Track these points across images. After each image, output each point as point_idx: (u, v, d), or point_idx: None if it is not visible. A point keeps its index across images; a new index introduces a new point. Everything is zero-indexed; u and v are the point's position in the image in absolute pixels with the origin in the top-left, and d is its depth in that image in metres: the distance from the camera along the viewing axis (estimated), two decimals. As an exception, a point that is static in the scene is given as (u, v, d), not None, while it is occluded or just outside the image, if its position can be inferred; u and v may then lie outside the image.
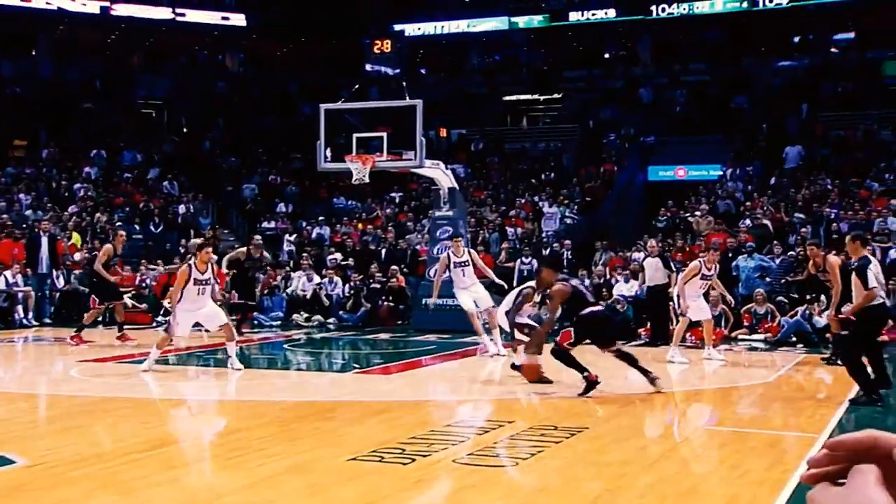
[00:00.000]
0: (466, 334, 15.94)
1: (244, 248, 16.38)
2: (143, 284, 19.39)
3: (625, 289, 17.03)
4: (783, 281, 17.51)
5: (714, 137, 27.75)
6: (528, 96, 35.85)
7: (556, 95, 35.36)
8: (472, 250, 14.31)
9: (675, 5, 32.99)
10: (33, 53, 35.38)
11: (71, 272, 19.45)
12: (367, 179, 16.00)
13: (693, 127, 28.89)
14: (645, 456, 7.25)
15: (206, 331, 13.36)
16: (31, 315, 18.22)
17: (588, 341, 10.07)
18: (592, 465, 6.79)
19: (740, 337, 15.79)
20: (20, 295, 18.13)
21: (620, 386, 11.51)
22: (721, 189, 24.25)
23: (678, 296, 12.90)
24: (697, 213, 22.22)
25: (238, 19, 35.49)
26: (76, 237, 21.08)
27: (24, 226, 20.80)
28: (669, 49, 34.74)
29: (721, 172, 25.75)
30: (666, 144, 28.39)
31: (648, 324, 15.90)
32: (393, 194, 26.76)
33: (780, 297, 16.78)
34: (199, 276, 11.33)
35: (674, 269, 15.23)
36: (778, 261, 17.99)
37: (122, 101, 33.25)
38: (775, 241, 18.76)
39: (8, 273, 18.01)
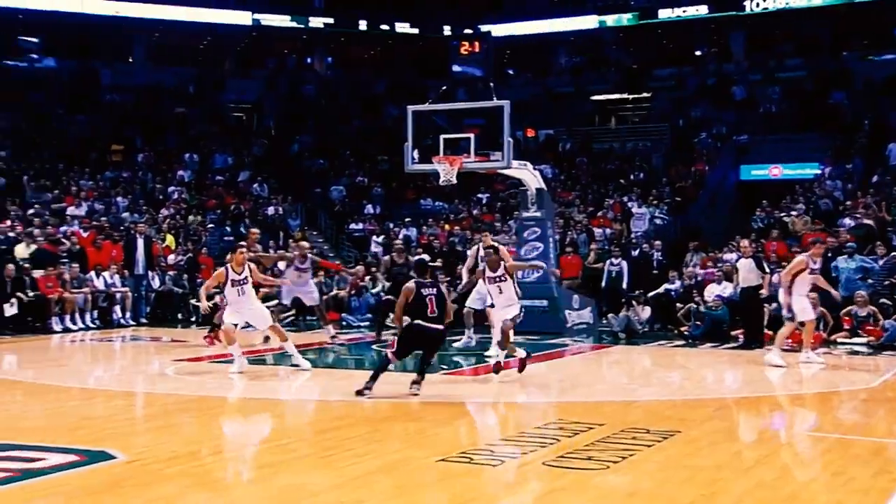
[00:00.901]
0: (554, 335, 15.83)
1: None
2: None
3: (717, 290, 16.64)
4: (886, 283, 16.85)
5: (811, 135, 26.89)
6: (617, 95, 35.40)
7: (645, 94, 34.84)
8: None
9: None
10: (130, 61, 36.51)
11: (165, 273, 19.96)
12: (454, 181, 15.95)
13: (789, 124, 28.08)
14: (740, 461, 7.02)
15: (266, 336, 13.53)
16: (128, 315, 18.72)
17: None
18: (685, 469, 6.62)
19: (840, 340, 15.24)
20: (118, 295, 18.65)
21: (713, 389, 11.24)
22: (819, 188, 23.51)
23: (784, 297, 12.43)
24: (794, 212, 21.60)
25: (325, 22, 35.94)
26: (170, 239, 21.64)
27: (122, 228, 21.42)
28: (764, 45, 33.84)
29: (818, 171, 24.96)
30: (760, 143, 27.63)
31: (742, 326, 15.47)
32: (480, 195, 26.73)
33: (883, 300, 16.14)
34: (236, 276, 11.50)
35: (767, 271, 14.80)
36: (881, 262, 17.31)
37: (214, 106, 34.04)
38: (878, 242, 18.08)
39: (106, 274, 18.57)
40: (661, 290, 17.77)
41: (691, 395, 10.62)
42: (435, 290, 9.72)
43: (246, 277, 11.62)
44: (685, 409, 9.30)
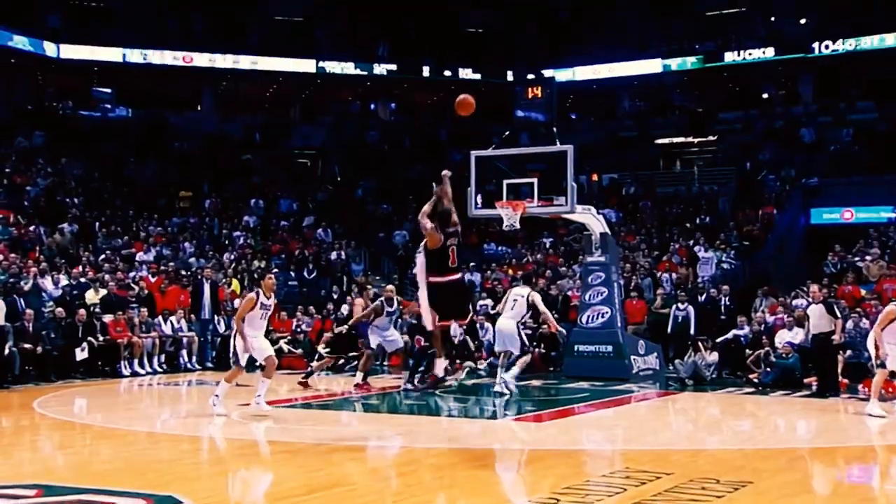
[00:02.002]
0: (619, 381, 15.59)
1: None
2: (299, 330, 19.88)
3: (788, 336, 16.23)
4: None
5: (884, 178, 26.25)
6: (682, 139, 35.15)
7: (710, 137, 34.51)
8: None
9: (839, 42, 31.72)
10: (198, 109, 37.47)
11: (230, 318, 20.16)
12: (517, 225, 15.91)
13: (860, 167, 27.49)
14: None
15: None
16: (194, 359, 18.97)
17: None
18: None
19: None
20: (185, 340, 18.92)
21: (787, 439, 10.95)
22: (894, 231, 22.93)
23: (874, 345, 12.10)
24: (868, 256, 21.07)
25: (388, 69, 36.45)
26: (235, 284, 21.90)
27: (189, 273, 21.77)
28: (833, 87, 33.35)
29: (893, 214, 24.36)
30: (831, 186, 27.04)
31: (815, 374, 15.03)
32: (544, 239, 26.63)
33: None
34: (266, 301, 11.73)
35: (839, 316, 14.38)
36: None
37: (279, 152, 34.65)
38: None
39: (173, 319, 18.86)
40: (729, 335, 17.42)
41: (763, 444, 10.31)
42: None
43: (272, 305, 11.98)
44: (756, 459, 9.03)
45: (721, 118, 35.00)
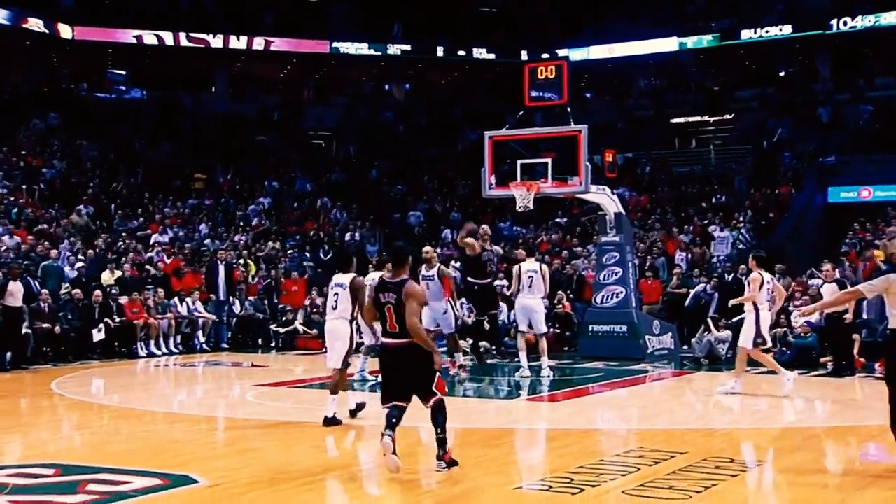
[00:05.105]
0: (634, 362, 15.56)
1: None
2: (314, 311, 19.87)
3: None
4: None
5: (903, 155, 26.02)
6: (698, 118, 34.88)
7: (727, 116, 34.24)
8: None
9: (858, 18, 31.33)
10: (212, 90, 37.43)
11: (245, 299, 20.22)
12: (531, 206, 15.86)
13: (879, 145, 27.21)
14: (829, 495, 6.78)
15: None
16: (205, 340, 18.88)
17: None
18: (771, 500, 6.41)
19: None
20: (200, 321, 18.97)
21: (802, 418, 10.93)
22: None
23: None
24: (884, 235, 20.91)
25: (402, 49, 36.24)
26: (251, 265, 21.99)
27: (204, 254, 21.81)
28: (851, 64, 32.96)
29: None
30: (848, 164, 26.77)
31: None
32: (558, 220, 26.54)
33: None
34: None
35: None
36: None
37: (293, 133, 34.58)
38: (977, 266, 17.34)
39: (189, 300, 18.91)
40: (743, 315, 17.29)
41: (778, 423, 10.30)
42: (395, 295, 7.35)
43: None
44: (771, 438, 9.01)
45: (738, 96, 34.69)
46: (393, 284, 7.35)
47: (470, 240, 13.69)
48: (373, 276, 10.61)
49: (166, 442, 9.11)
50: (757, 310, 12.05)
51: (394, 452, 7.03)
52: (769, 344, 12.24)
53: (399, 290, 7.27)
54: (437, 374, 7.29)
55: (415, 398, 7.33)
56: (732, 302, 13.15)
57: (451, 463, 7.25)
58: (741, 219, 24.00)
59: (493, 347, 17.60)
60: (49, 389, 12.93)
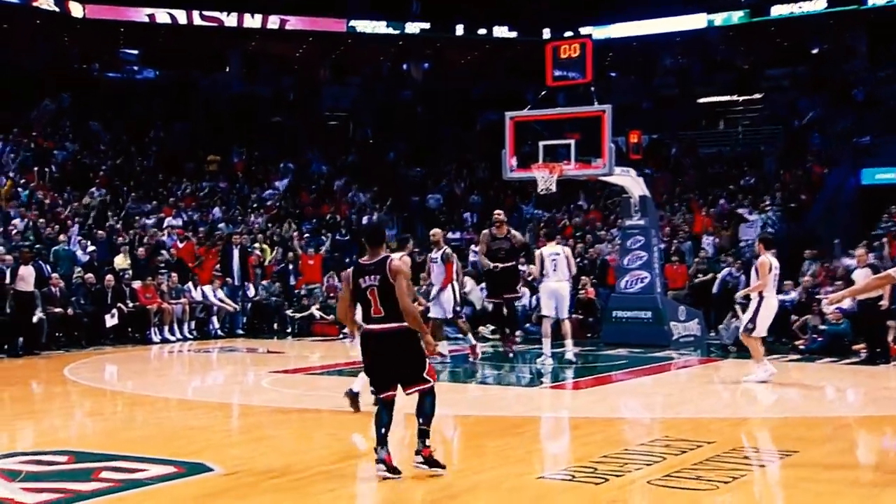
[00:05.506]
0: (659, 349, 15.25)
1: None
2: (331, 295, 19.53)
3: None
4: None
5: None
6: (726, 97, 34.25)
7: (756, 96, 33.57)
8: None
9: (896, -9, 30.54)
10: (226, 70, 37.14)
11: (260, 284, 20.00)
12: (553, 188, 15.52)
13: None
14: (860, 486, 6.57)
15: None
16: (220, 326, 18.69)
17: None
18: (800, 492, 6.20)
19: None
20: (214, 307, 18.70)
21: (834, 407, 10.66)
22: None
23: None
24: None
25: (421, 27, 35.75)
26: (267, 249, 21.75)
27: (218, 238, 21.40)
28: (888, 40, 32.16)
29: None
30: (884, 144, 26.14)
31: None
32: (581, 202, 26.17)
33: None
34: None
35: (886, 280, 13.86)
36: None
37: (309, 114, 34.18)
38: None
39: (209, 288, 18.64)
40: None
41: (808, 412, 9.99)
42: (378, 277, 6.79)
43: None
44: (801, 427, 8.77)
45: (768, 75, 33.93)
46: (374, 265, 6.80)
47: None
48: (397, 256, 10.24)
49: (181, 429, 9.06)
50: (761, 297, 11.65)
51: (394, 469, 6.60)
52: (764, 334, 11.83)
53: (382, 268, 6.74)
54: (428, 360, 6.88)
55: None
56: (741, 293, 12.83)
57: (432, 462, 6.67)
58: (769, 202, 23.49)
59: (510, 333, 17.27)
60: (62, 375, 12.90)
